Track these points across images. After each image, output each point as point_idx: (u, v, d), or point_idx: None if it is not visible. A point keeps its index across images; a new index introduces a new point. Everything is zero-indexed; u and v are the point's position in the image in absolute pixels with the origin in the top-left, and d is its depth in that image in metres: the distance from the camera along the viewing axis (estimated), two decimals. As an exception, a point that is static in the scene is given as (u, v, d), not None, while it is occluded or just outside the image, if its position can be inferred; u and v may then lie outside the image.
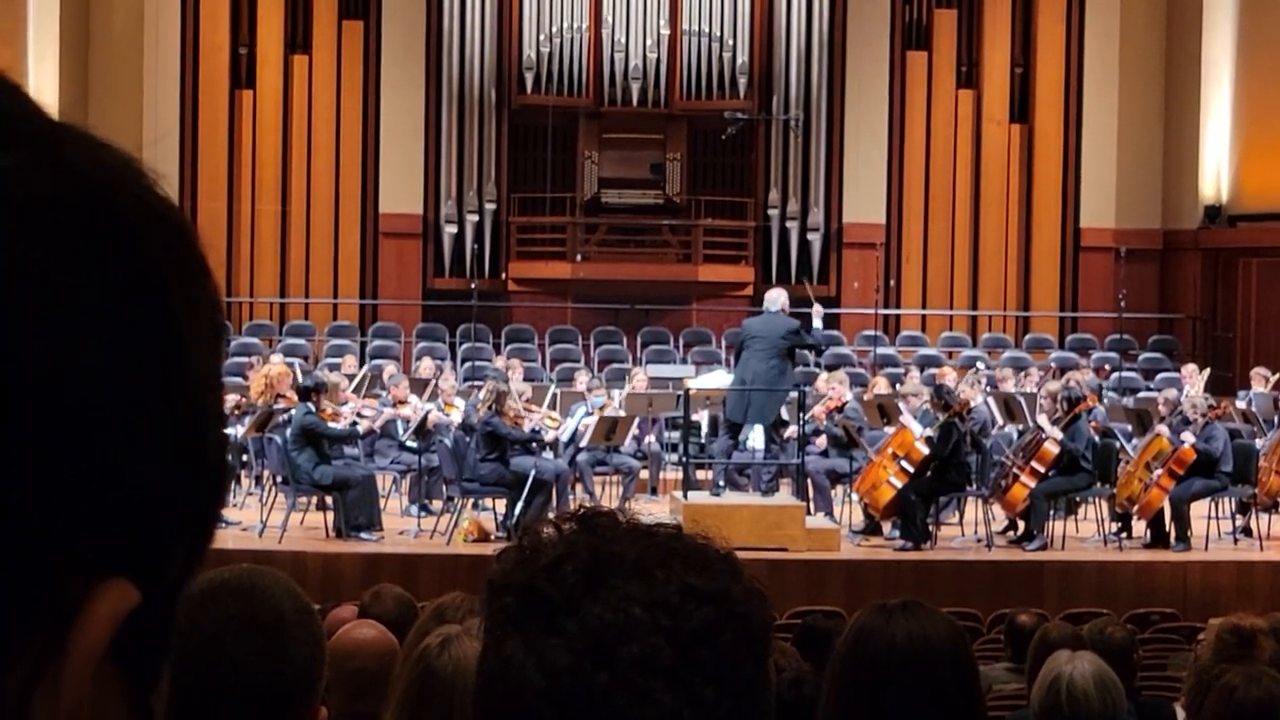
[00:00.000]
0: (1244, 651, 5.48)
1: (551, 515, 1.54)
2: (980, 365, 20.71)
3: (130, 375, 0.74)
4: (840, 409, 17.19)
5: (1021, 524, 16.41)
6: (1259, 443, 17.09)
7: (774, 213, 24.86)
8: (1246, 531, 16.58)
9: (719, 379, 17.86)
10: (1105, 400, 19.25)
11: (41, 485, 0.72)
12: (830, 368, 21.49)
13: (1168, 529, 16.04)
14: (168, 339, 0.76)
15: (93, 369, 0.73)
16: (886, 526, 16.34)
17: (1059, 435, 15.87)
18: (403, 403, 17.38)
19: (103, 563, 0.75)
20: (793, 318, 16.62)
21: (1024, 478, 15.82)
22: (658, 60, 24.54)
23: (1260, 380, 19.07)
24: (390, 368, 19.99)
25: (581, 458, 16.90)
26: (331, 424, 15.84)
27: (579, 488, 16.86)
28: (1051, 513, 16.23)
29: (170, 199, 0.79)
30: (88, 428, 0.73)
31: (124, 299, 0.74)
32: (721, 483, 16.51)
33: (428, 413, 16.81)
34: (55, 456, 0.72)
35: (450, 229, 24.56)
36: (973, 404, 16.95)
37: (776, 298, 16.61)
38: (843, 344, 23.98)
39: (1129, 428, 17.91)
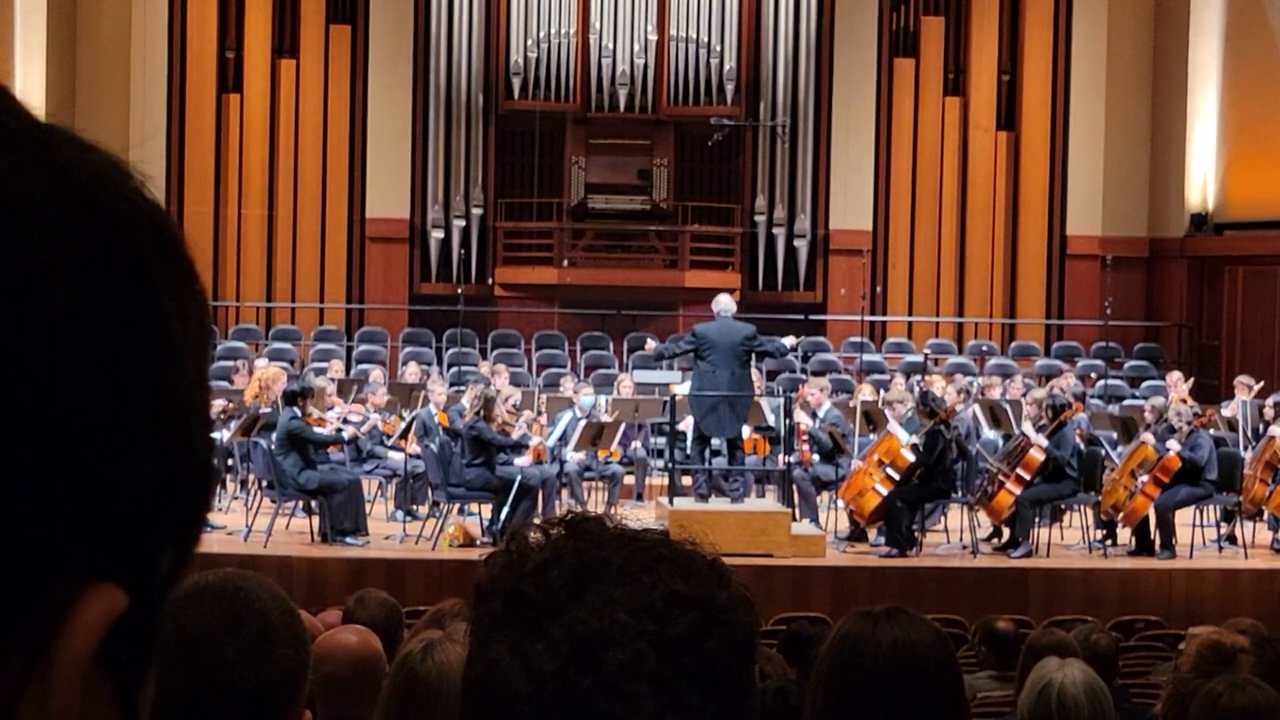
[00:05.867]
0: (1222, 669, 5.49)
1: (538, 520, 1.54)
2: (973, 382, 20.65)
3: (119, 377, 0.74)
4: (815, 413, 17.16)
5: (1007, 531, 16.42)
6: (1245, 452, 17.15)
7: (761, 219, 24.88)
8: (1231, 539, 16.61)
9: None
10: (1090, 408, 19.28)
11: (29, 487, 0.71)
12: (815, 374, 21.51)
13: (1153, 537, 16.06)
14: (156, 341, 0.76)
15: (81, 371, 0.73)
16: (872, 533, 16.35)
17: (1044, 442, 15.89)
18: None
19: (90, 565, 0.74)
20: (746, 323, 16.51)
21: (1009, 485, 15.83)
22: (645, 66, 24.55)
23: (1243, 389, 19.10)
24: (376, 373, 19.98)
25: (570, 466, 16.90)
26: (317, 429, 15.83)
27: (565, 494, 16.84)
28: (1037, 520, 16.25)
29: (158, 202, 0.79)
30: (76, 430, 0.73)
31: (113, 302, 0.74)
32: (705, 491, 16.42)
33: (414, 417, 16.84)
34: (43, 458, 0.72)
35: (437, 234, 24.56)
36: (957, 410, 16.96)
37: (729, 302, 16.37)
38: (828, 350, 24.00)
39: (1114, 435, 17.95)
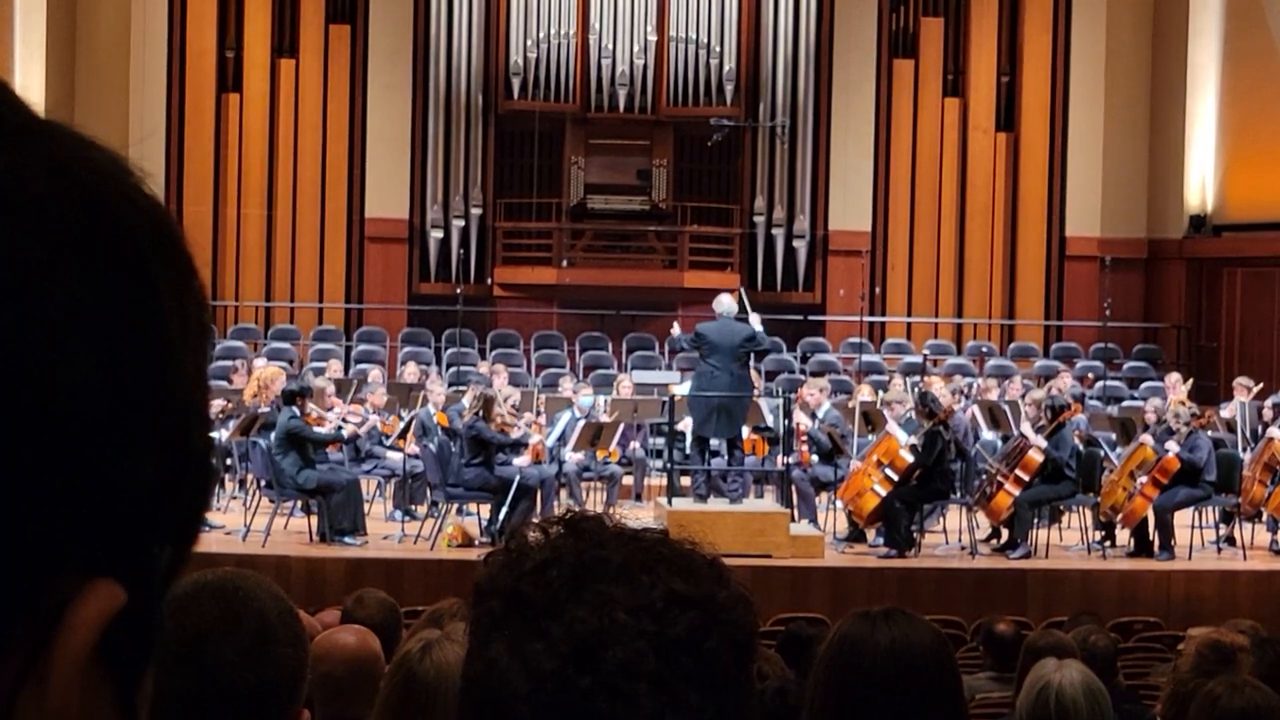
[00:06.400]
0: (1222, 668, 5.49)
1: (537, 520, 1.54)
2: (974, 383, 20.63)
3: (118, 374, 0.74)
4: (814, 414, 17.16)
5: (1005, 532, 16.42)
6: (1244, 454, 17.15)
7: (760, 219, 24.87)
8: (1230, 541, 16.60)
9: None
10: (1089, 409, 19.28)
11: (28, 484, 0.71)
12: (814, 374, 21.50)
13: (1151, 538, 16.06)
14: (156, 338, 0.76)
15: (81, 368, 0.73)
16: (870, 534, 16.35)
17: (1043, 443, 15.89)
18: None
19: (89, 562, 0.74)
20: (744, 323, 16.52)
21: (1008, 486, 15.83)
22: (645, 66, 24.55)
23: (1242, 390, 19.09)
24: (375, 373, 19.97)
25: (568, 466, 16.90)
26: (316, 428, 15.82)
27: (564, 494, 16.85)
28: (1035, 521, 16.25)
29: (157, 198, 0.79)
30: (76, 427, 0.73)
31: (113, 299, 0.74)
32: (703, 492, 16.39)
33: (412, 418, 16.84)
34: (43, 455, 0.72)
35: (436, 234, 24.55)
36: (954, 411, 16.95)
37: (731, 303, 16.41)
38: (827, 351, 24.00)
39: (1113, 436, 17.95)
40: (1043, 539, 16.35)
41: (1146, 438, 16.30)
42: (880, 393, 19.59)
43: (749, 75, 24.96)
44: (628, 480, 18.22)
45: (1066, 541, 16.83)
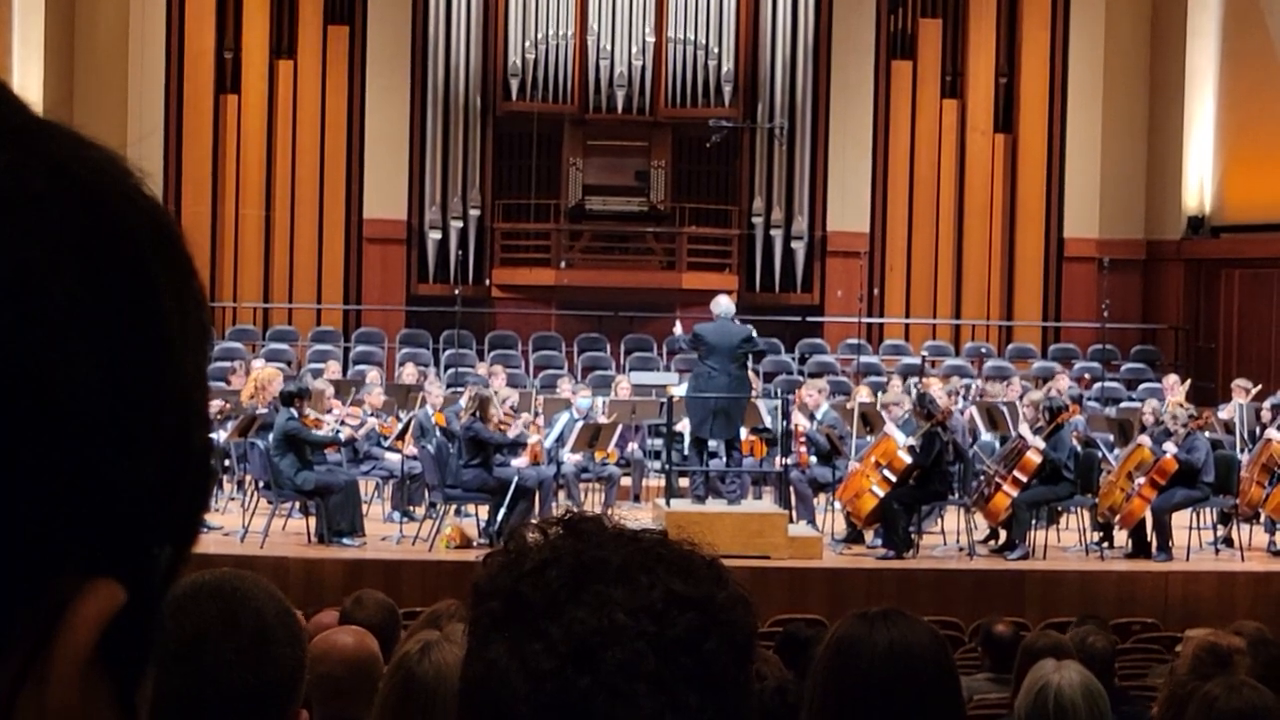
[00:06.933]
0: (1219, 671, 5.48)
1: (535, 521, 1.54)
2: (972, 384, 20.63)
3: (118, 374, 0.74)
4: (812, 415, 17.15)
5: (1003, 533, 16.42)
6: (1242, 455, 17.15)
7: (758, 221, 24.87)
8: (1228, 542, 16.60)
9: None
10: (1087, 410, 19.28)
11: (28, 484, 0.71)
12: (813, 375, 21.50)
13: (1149, 539, 16.06)
14: (156, 338, 0.76)
15: (81, 368, 0.73)
16: (869, 535, 16.34)
17: (1041, 445, 15.89)
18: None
19: (89, 562, 0.74)
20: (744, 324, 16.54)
21: (1006, 487, 15.83)
22: (643, 68, 24.54)
23: (1240, 392, 19.09)
24: (373, 374, 19.96)
25: (567, 467, 16.89)
26: (314, 431, 15.81)
27: (562, 495, 16.84)
28: (1033, 522, 16.25)
29: (157, 198, 0.79)
30: (76, 427, 0.73)
31: (113, 298, 0.74)
32: (702, 493, 16.39)
33: (410, 419, 16.84)
34: (43, 458, 0.72)
35: (434, 235, 24.55)
36: (951, 412, 16.95)
37: (728, 305, 16.43)
38: (825, 352, 23.99)
39: (1111, 437, 17.95)
40: (1041, 540, 16.34)
41: (1144, 439, 16.30)
42: (878, 394, 19.60)
43: (747, 76, 24.96)
44: (626, 481, 18.22)
45: (1064, 542, 16.83)
